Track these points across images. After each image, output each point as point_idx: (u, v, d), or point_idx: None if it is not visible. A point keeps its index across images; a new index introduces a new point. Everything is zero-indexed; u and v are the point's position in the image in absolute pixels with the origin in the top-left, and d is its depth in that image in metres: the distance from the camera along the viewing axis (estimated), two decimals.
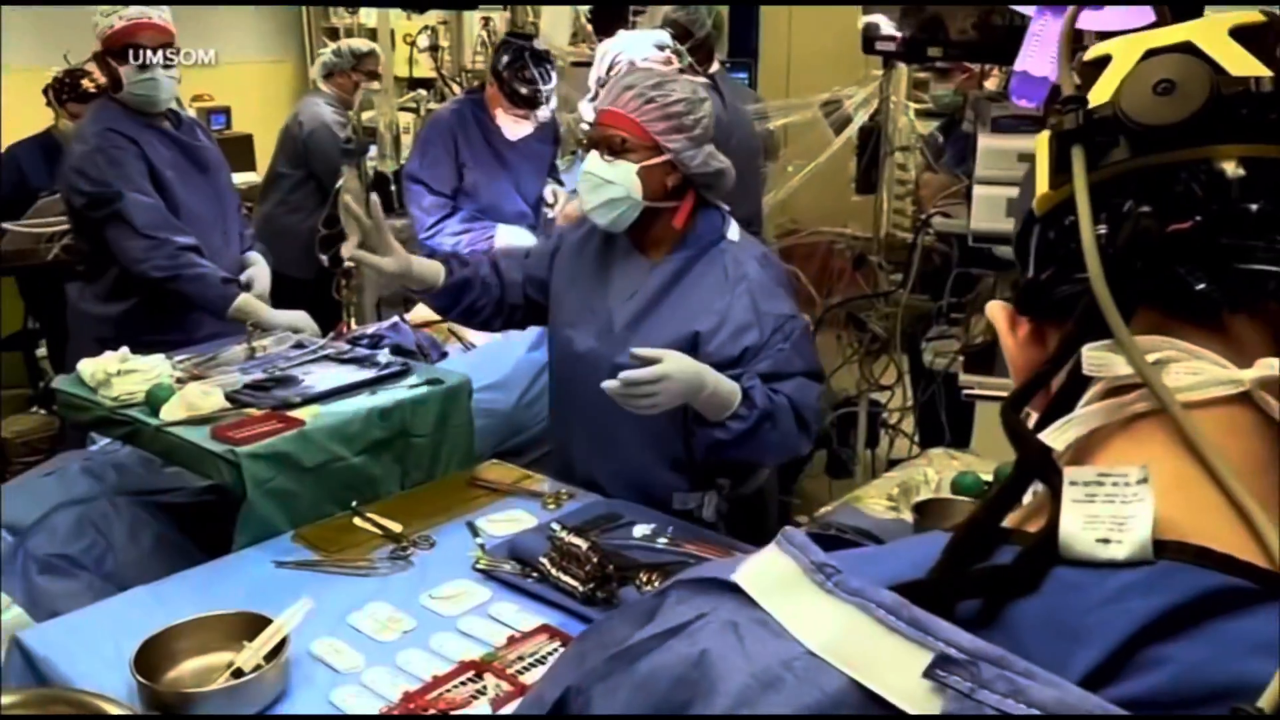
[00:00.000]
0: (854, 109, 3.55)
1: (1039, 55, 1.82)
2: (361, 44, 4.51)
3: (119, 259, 2.59)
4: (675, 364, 1.74)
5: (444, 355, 2.66)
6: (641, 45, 2.91)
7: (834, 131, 3.69)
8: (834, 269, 3.55)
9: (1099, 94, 0.53)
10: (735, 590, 0.52)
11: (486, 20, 5.02)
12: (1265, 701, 0.38)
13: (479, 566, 1.71)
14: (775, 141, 3.95)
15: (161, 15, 2.66)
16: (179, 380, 2.06)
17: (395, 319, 2.88)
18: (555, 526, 1.67)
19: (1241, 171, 0.49)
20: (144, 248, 2.55)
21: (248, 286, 2.75)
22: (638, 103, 1.89)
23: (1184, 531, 0.46)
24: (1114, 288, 0.49)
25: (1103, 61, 0.55)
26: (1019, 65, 1.85)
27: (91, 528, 2.11)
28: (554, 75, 3.23)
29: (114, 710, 1.29)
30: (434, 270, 2.04)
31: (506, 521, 1.89)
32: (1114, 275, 0.49)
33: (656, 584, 1.47)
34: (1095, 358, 0.51)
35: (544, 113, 3.26)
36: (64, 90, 4.10)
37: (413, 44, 4.90)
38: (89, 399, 2.06)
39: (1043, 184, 0.55)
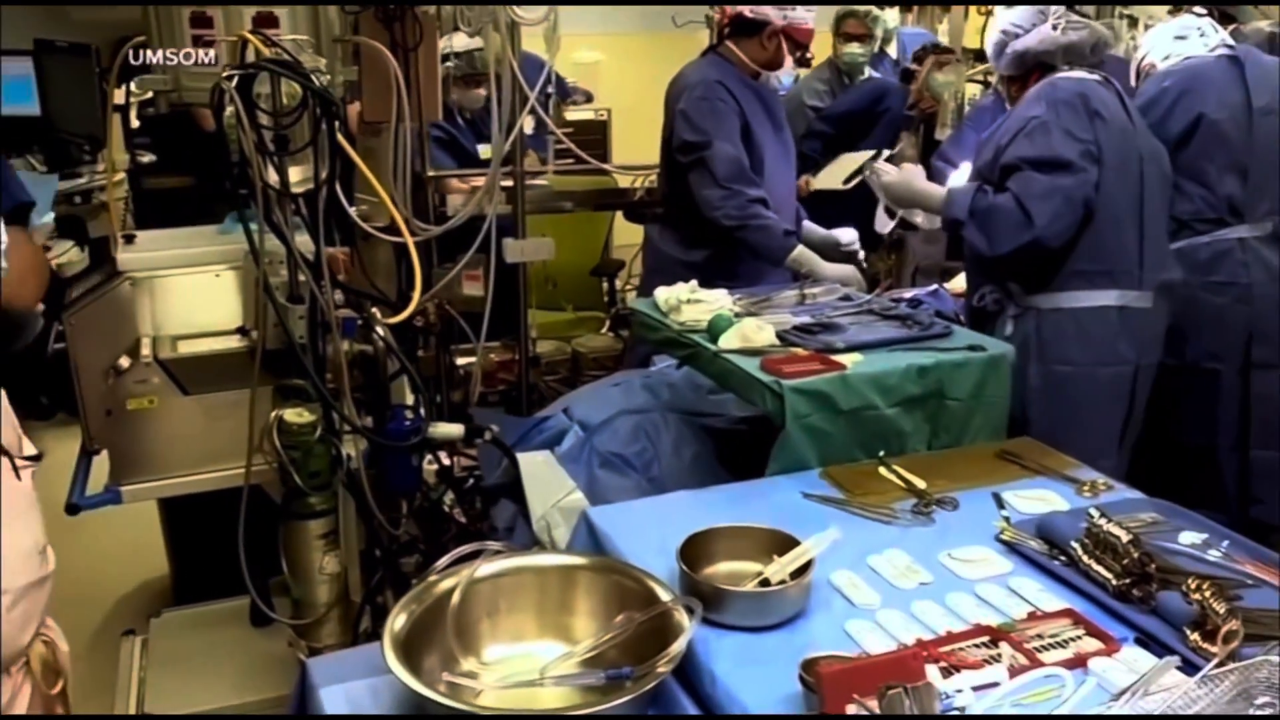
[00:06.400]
0: None
1: None
2: (843, 8, 4.49)
3: (697, 204, 2.86)
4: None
5: None
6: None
7: None
8: None
9: None
10: None
11: None
12: None
13: (1003, 537, 1.67)
14: None
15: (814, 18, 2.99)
16: (736, 314, 2.24)
17: (935, 286, 2.87)
18: (1093, 512, 1.58)
19: None
20: (720, 196, 2.80)
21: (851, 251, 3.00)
22: None
23: None
24: None
25: None
26: None
27: (644, 435, 2.37)
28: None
29: (660, 590, 1.46)
30: None
31: (1035, 500, 1.82)
32: None
33: (1208, 595, 1.34)
34: None
35: None
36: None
37: (988, 14, 4.78)
38: (660, 321, 2.31)
39: None
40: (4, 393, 1.62)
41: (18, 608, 1.47)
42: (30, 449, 1.60)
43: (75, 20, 5.14)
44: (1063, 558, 1.59)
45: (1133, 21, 3.79)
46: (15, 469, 1.50)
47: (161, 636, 2.57)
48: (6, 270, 1.41)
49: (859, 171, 3.39)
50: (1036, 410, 2.47)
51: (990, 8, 4.28)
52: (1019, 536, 1.66)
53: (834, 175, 3.86)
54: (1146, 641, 1.39)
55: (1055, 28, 2.63)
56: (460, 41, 3.74)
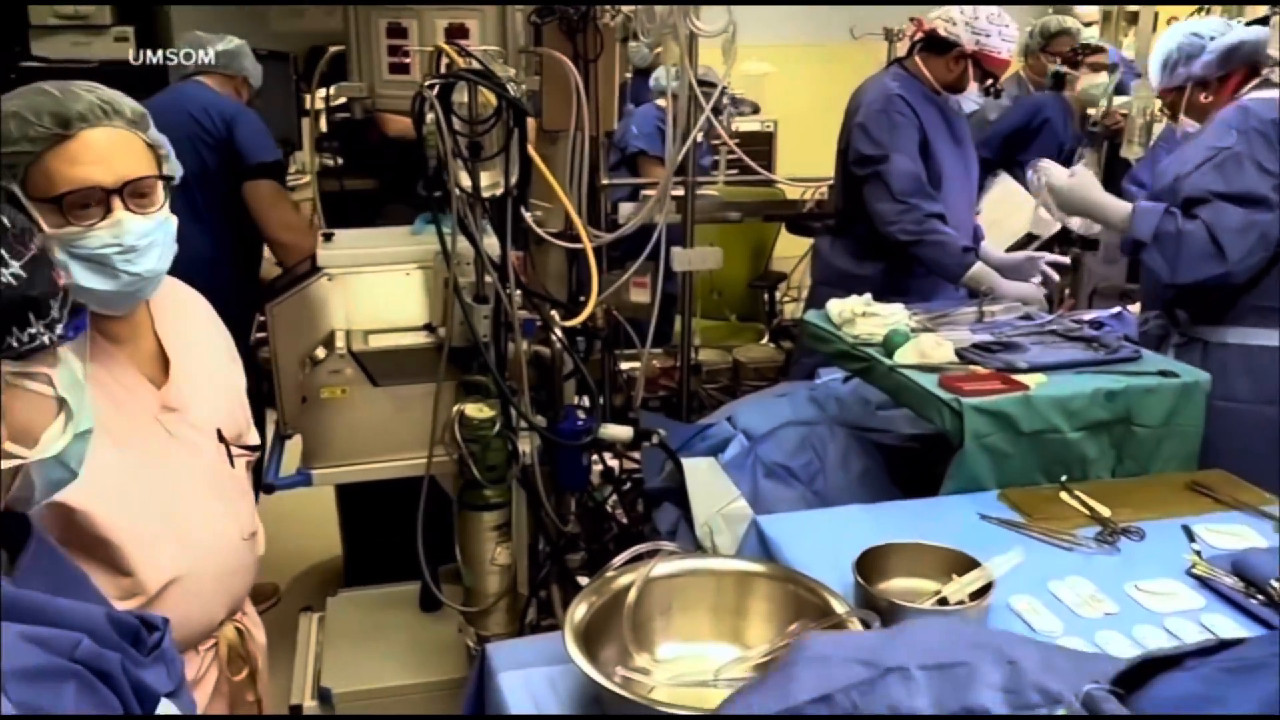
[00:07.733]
0: None
1: None
2: (1055, 22, 4.35)
3: (871, 217, 2.84)
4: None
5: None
6: None
7: None
8: None
9: None
10: None
11: None
12: None
13: (1195, 572, 1.60)
14: None
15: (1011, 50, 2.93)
16: (913, 329, 2.21)
17: (1119, 308, 2.77)
18: None
19: None
20: (896, 210, 2.77)
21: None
22: None
23: None
24: None
25: None
26: None
27: (810, 448, 2.36)
28: None
29: (835, 602, 1.46)
30: None
31: (1229, 535, 1.74)
32: None
33: None
34: None
35: None
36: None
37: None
38: (833, 333, 2.30)
39: None
40: (244, 380, 1.72)
41: (210, 590, 1.53)
42: (254, 438, 1.69)
43: (275, 30, 5.46)
44: (1261, 596, 1.52)
45: None
46: (230, 456, 1.59)
47: (337, 614, 2.70)
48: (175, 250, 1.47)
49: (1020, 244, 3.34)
50: None
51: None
52: (1213, 572, 1.59)
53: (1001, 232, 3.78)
54: None
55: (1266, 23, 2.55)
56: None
